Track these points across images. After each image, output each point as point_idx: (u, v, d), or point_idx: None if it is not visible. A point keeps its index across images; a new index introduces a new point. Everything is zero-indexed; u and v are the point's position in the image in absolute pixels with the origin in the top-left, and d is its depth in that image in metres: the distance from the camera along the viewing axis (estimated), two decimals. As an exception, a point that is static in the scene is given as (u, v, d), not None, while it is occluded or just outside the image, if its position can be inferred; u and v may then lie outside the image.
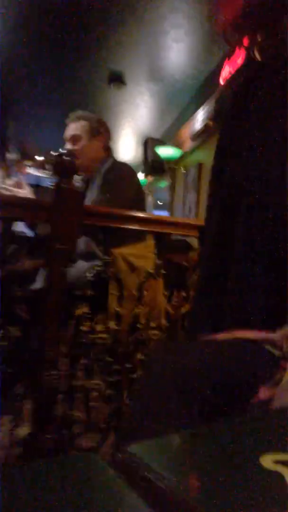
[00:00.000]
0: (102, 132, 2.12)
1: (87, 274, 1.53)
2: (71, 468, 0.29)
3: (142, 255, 1.81)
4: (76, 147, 2.06)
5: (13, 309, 1.35)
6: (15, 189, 1.75)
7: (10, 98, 5.67)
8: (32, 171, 9.09)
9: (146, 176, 6.72)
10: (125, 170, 2.03)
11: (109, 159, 2.09)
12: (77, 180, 2.33)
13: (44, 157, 2.34)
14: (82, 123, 2.09)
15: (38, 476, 0.27)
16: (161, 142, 5.83)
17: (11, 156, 7.44)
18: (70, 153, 1.37)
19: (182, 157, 5.38)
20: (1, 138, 6.23)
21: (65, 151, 1.37)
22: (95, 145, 2.09)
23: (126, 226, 1.55)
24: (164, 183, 6.43)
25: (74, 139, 2.07)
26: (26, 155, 8.93)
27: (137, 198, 2.01)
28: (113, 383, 1.60)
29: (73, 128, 2.09)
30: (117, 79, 4.49)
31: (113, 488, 0.26)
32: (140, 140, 6.70)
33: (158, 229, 1.63)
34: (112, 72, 4.42)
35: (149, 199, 8.40)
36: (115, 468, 0.27)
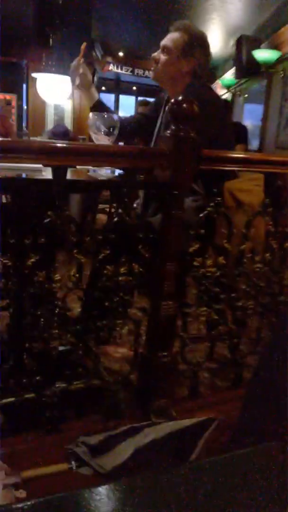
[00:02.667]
0: (195, 54, 1.92)
1: (199, 214, 1.62)
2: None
3: (249, 189, 1.85)
4: (161, 61, 1.94)
5: (137, 249, 1.52)
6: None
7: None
8: (112, 67, 9.00)
9: (238, 77, 6.29)
10: (208, 105, 1.71)
11: (194, 86, 1.89)
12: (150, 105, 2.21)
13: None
14: (179, 35, 1.91)
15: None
16: (257, 40, 5.34)
17: (95, 54, 7.38)
18: (188, 100, 1.40)
19: (280, 60, 4.92)
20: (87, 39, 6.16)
21: (183, 99, 1.39)
22: (181, 66, 1.93)
23: (239, 169, 1.60)
24: (257, 85, 6.02)
25: (164, 49, 1.94)
26: (108, 53, 8.81)
27: (222, 136, 1.85)
28: (219, 310, 1.77)
29: (168, 38, 1.95)
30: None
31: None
32: (232, 36, 6.18)
33: (269, 169, 1.65)
34: None
35: (240, 99, 7.92)
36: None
